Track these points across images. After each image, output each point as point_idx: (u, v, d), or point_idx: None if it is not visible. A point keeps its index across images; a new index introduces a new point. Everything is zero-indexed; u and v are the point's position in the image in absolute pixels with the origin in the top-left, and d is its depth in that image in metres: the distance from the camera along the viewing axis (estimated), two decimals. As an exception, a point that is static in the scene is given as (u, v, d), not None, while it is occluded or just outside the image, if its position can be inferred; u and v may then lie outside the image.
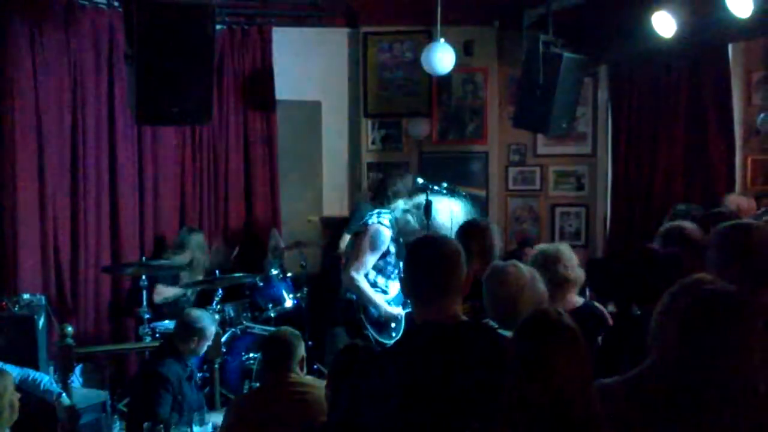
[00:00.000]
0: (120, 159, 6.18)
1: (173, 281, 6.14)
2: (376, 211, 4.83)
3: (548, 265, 3.58)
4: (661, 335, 2.13)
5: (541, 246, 3.93)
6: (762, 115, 6.69)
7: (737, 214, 4.49)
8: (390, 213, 4.76)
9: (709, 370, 1.94)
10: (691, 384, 1.97)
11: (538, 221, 7.43)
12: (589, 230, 7.39)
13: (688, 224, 3.78)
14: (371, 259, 4.64)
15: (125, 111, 5.82)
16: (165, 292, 6.02)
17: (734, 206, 5.28)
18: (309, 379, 3.66)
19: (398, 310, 4.63)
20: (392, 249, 4.74)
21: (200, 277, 6.15)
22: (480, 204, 7.17)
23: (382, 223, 4.69)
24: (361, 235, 4.76)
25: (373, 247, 4.64)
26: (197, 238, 6.32)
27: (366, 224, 4.74)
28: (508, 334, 2.41)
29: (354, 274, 4.61)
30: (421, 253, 2.49)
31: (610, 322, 3.62)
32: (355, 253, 4.73)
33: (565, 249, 3.70)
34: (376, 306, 4.63)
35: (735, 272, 2.60)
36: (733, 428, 1.90)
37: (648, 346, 2.16)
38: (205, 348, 4.39)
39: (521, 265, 3.27)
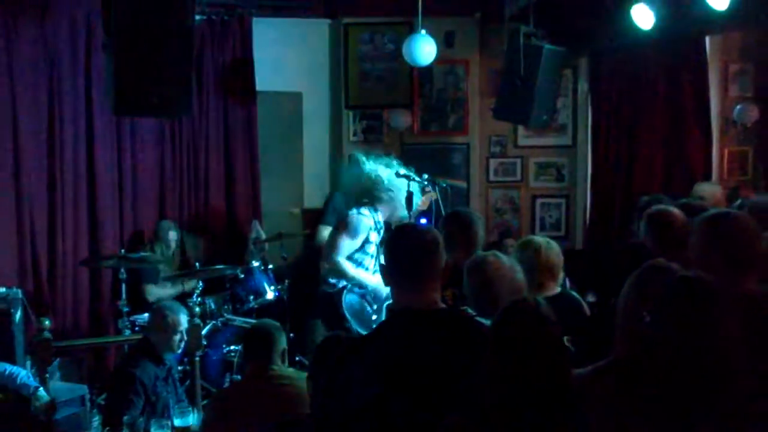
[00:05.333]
0: (98, 150, 6.11)
1: (155, 277, 6.09)
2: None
3: (529, 254, 3.61)
4: (630, 323, 2.16)
5: (525, 237, 3.95)
6: (739, 107, 6.76)
7: (707, 203, 4.54)
8: (370, 210, 4.76)
9: (683, 357, 1.95)
10: (666, 372, 1.99)
11: (518, 212, 7.46)
12: (570, 221, 7.43)
13: (673, 209, 3.81)
14: (348, 245, 4.64)
15: (103, 102, 5.76)
16: (157, 292, 5.99)
17: (705, 195, 5.34)
18: (290, 371, 3.65)
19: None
20: (372, 239, 4.74)
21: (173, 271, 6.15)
22: (461, 195, 7.19)
23: (362, 213, 4.70)
24: (340, 225, 4.78)
25: (352, 234, 4.65)
26: (174, 232, 6.28)
27: (345, 215, 4.77)
28: (487, 322, 2.42)
29: (336, 257, 4.62)
30: (401, 241, 2.51)
31: (587, 311, 3.65)
32: (330, 241, 4.74)
33: (546, 240, 3.73)
34: (362, 283, 4.66)
35: (717, 261, 2.62)
36: (709, 417, 1.91)
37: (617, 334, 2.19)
38: (181, 344, 4.33)
39: (501, 255, 3.32)
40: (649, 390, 2.03)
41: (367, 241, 4.73)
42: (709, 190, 5.66)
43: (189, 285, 6.02)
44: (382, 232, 4.83)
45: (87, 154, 6.07)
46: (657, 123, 6.94)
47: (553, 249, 3.67)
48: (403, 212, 4.78)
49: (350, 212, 4.75)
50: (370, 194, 4.80)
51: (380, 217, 4.83)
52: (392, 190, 4.80)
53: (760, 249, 2.68)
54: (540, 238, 3.79)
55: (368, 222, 4.69)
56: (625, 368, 2.16)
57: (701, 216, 2.89)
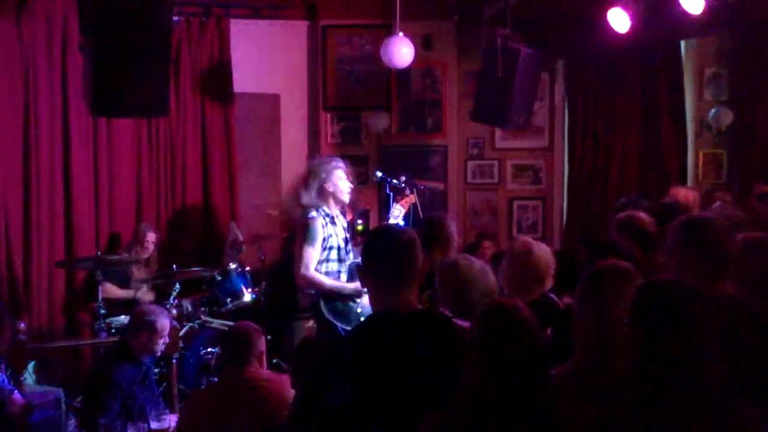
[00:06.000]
0: (74, 151, 6.06)
1: (122, 279, 6.04)
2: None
3: (518, 260, 3.62)
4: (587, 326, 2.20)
5: (516, 240, 3.96)
6: (713, 111, 6.85)
7: (683, 206, 4.61)
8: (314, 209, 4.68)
9: (655, 359, 1.97)
10: (638, 376, 2.00)
11: (496, 214, 7.49)
12: (546, 223, 7.47)
13: (642, 215, 3.87)
14: (312, 254, 4.56)
15: (79, 102, 5.72)
16: (112, 291, 5.92)
17: (680, 198, 5.41)
18: (268, 373, 3.64)
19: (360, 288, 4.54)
20: (333, 244, 4.68)
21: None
22: (439, 197, 7.22)
23: (309, 216, 4.61)
24: (298, 237, 4.69)
25: (310, 241, 4.56)
26: (152, 234, 6.24)
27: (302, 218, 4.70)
28: (464, 323, 2.44)
29: (304, 272, 4.57)
30: (379, 243, 2.53)
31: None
32: (297, 253, 4.65)
33: (538, 248, 3.72)
34: (340, 291, 4.61)
35: (692, 263, 2.65)
36: (686, 421, 1.93)
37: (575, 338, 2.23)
38: (161, 345, 4.29)
39: (472, 258, 3.38)
40: (617, 394, 2.05)
41: (329, 248, 4.68)
42: (685, 193, 5.73)
43: (141, 292, 5.99)
44: (339, 222, 4.78)
45: (63, 155, 6.02)
46: (633, 126, 7.01)
47: (545, 251, 3.69)
48: (344, 190, 4.69)
49: (300, 220, 4.68)
50: (307, 192, 4.71)
51: (330, 210, 4.72)
52: (314, 174, 4.73)
53: (734, 252, 2.72)
54: (534, 242, 3.78)
55: (317, 222, 4.59)
56: (587, 371, 2.20)
57: (677, 220, 2.93)
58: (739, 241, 3.03)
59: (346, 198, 4.77)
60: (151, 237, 6.22)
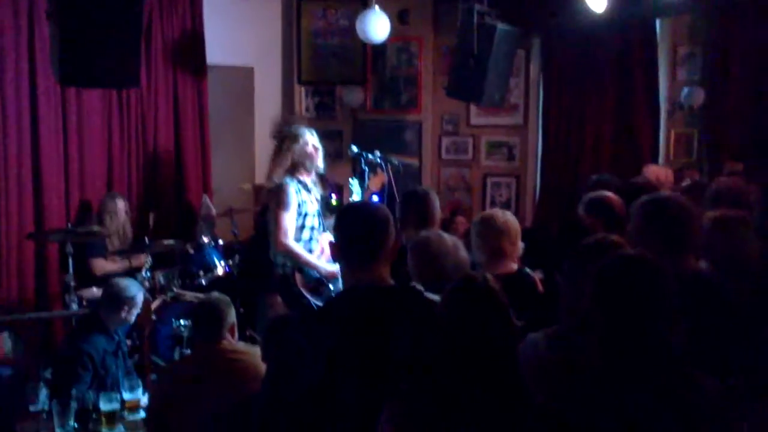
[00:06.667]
0: (43, 123, 5.95)
1: (102, 251, 6.00)
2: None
3: (491, 234, 3.63)
4: (573, 297, 2.23)
5: (485, 212, 3.95)
6: (686, 90, 6.90)
7: (655, 184, 4.65)
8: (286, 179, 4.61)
9: (623, 332, 2.00)
10: (604, 348, 2.03)
11: (470, 191, 7.52)
12: (520, 200, 7.52)
13: (610, 193, 3.91)
14: (288, 219, 4.51)
15: (48, 72, 5.61)
16: (106, 266, 5.90)
17: (653, 177, 5.46)
18: (241, 345, 3.65)
19: (336, 268, 4.53)
20: (309, 210, 4.61)
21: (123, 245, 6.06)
22: (413, 173, 7.22)
23: (283, 183, 4.54)
24: (271, 204, 4.63)
25: (284, 206, 4.49)
26: (123, 202, 6.18)
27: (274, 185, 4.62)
28: (435, 297, 2.46)
29: (284, 240, 4.53)
30: (351, 218, 2.52)
31: (540, 288, 3.71)
32: (274, 221, 4.59)
33: (511, 220, 3.74)
34: (315, 267, 4.58)
35: (656, 241, 2.69)
36: (648, 392, 1.97)
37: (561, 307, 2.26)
38: (135, 316, 4.32)
39: (443, 234, 3.39)
40: (584, 363, 2.08)
41: (304, 215, 4.61)
42: (656, 172, 5.79)
43: (136, 260, 5.95)
44: (312, 192, 4.73)
45: (31, 126, 5.91)
46: (606, 104, 7.05)
47: (504, 217, 3.72)
48: (313, 155, 4.63)
49: (273, 187, 4.60)
50: (278, 157, 4.65)
51: (303, 178, 4.66)
52: (285, 137, 4.67)
53: (696, 229, 2.77)
54: (498, 210, 3.81)
55: (290, 187, 4.52)
56: (563, 340, 2.23)
57: (640, 200, 2.97)
58: (708, 219, 3.09)
59: (318, 164, 4.71)
60: (121, 205, 6.15)
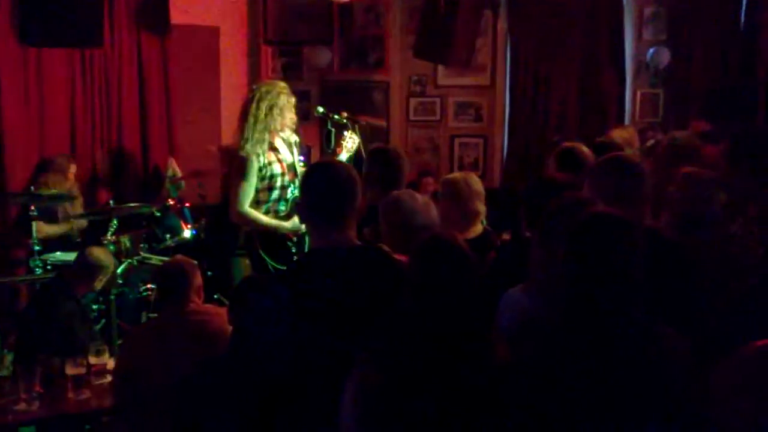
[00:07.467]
0: (3, 83, 5.82)
1: (51, 215, 5.89)
2: None
3: (461, 196, 3.66)
4: (546, 254, 2.26)
5: (454, 175, 3.95)
6: (651, 51, 6.94)
7: (620, 144, 4.70)
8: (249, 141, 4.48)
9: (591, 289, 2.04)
10: (574, 305, 2.08)
11: (437, 151, 7.53)
12: (487, 161, 7.55)
13: (583, 147, 3.93)
14: (246, 188, 4.34)
15: (7, 31, 5.46)
16: (46, 229, 5.80)
17: (615, 138, 5.49)
18: (209, 307, 3.64)
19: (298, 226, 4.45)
20: (276, 170, 4.46)
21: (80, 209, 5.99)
22: (381, 134, 7.20)
23: (244, 149, 4.34)
24: (232, 171, 4.50)
25: (244, 175, 4.33)
26: (72, 166, 6.09)
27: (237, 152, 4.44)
28: (403, 258, 2.47)
29: (239, 209, 4.42)
30: (317, 179, 2.52)
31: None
32: (231, 188, 4.45)
33: (477, 181, 3.77)
34: (277, 229, 4.50)
35: (609, 199, 2.74)
36: (610, 340, 2.02)
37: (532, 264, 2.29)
38: (102, 283, 4.32)
39: (415, 193, 3.38)
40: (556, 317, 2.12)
41: (270, 176, 4.47)
42: (620, 132, 5.82)
43: (78, 223, 5.88)
44: (284, 146, 4.56)
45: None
46: (573, 65, 7.07)
47: (474, 179, 3.76)
48: (285, 117, 4.48)
49: (236, 153, 4.43)
50: (245, 121, 4.52)
51: (271, 138, 4.45)
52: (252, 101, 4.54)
53: (647, 187, 2.83)
54: (460, 173, 3.84)
55: (252, 155, 4.32)
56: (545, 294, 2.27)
57: (597, 159, 3.01)
58: (678, 174, 3.15)
59: (288, 125, 4.59)
60: (73, 169, 6.06)
